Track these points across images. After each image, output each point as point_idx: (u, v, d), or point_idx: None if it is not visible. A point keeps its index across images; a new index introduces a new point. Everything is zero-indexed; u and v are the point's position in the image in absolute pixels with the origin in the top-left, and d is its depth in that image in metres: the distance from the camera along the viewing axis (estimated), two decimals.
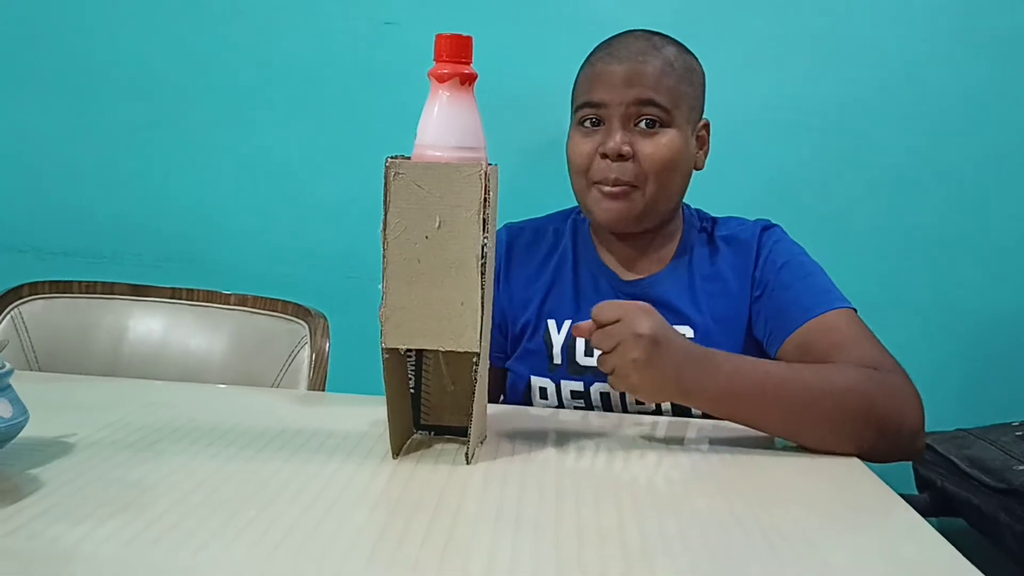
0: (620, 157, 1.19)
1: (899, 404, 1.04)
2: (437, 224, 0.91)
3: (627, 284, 1.28)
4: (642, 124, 1.20)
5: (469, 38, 0.93)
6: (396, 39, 1.85)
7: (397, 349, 0.95)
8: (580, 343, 1.25)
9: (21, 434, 0.85)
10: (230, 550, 0.72)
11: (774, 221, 1.33)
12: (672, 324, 1.23)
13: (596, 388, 1.25)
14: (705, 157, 1.29)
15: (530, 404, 1.28)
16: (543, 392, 1.27)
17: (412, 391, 1.03)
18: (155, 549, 0.71)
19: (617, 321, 1.00)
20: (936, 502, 1.66)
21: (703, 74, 1.28)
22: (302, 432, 1.03)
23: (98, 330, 1.47)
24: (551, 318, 1.28)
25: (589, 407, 1.26)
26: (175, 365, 1.45)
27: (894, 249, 1.86)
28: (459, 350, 0.93)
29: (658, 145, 1.20)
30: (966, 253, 1.85)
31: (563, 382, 1.26)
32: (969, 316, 1.86)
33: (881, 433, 1.03)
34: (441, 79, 0.92)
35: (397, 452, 0.96)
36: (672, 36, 1.28)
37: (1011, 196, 1.84)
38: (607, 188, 1.21)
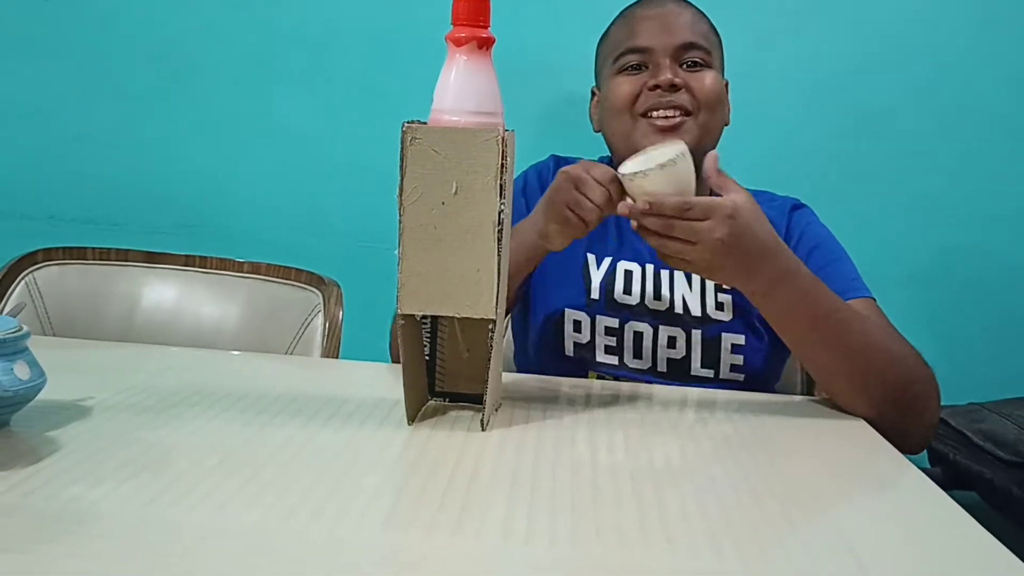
0: (673, 87, 1.21)
1: (929, 395, 1.08)
2: (454, 190, 0.90)
3: None
4: (687, 65, 1.23)
5: (487, 1, 0.92)
6: (412, 3, 1.84)
7: (413, 315, 0.94)
8: (620, 282, 1.26)
9: (38, 397, 0.85)
10: (247, 512, 0.72)
11: (804, 200, 1.32)
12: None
13: (630, 327, 1.25)
14: (729, 113, 1.30)
15: (562, 336, 1.27)
16: (577, 325, 1.26)
17: (427, 358, 1.03)
18: (173, 510, 0.71)
19: (707, 218, 0.98)
20: (949, 476, 1.66)
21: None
22: (317, 398, 1.03)
23: (112, 297, 1.47)
24: (591, 252, 1.28)
25: (620, 345, 1.26)
26: (188, 333, 1.45)
27: (909, 219, 1.85)
28: (475, 317, 0.92)
29: (706, 79, 1.22)
30: (982, 224, 1.84)
31: (599, 317, 1.25)
32: (984, 289, 1.85)
33: (902, 412, 1.05)
34: (458, 43, 0.91)
35: (412, 419, 0.97)
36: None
37: None
38: (659, 120, 1.21)
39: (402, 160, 0.90)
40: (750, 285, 1.04)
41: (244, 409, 0.97)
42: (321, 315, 1.43)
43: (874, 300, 1.18)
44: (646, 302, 1.25)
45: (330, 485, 0.78)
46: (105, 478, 0.76)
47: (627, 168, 1.02)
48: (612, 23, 1.31)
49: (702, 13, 1.28)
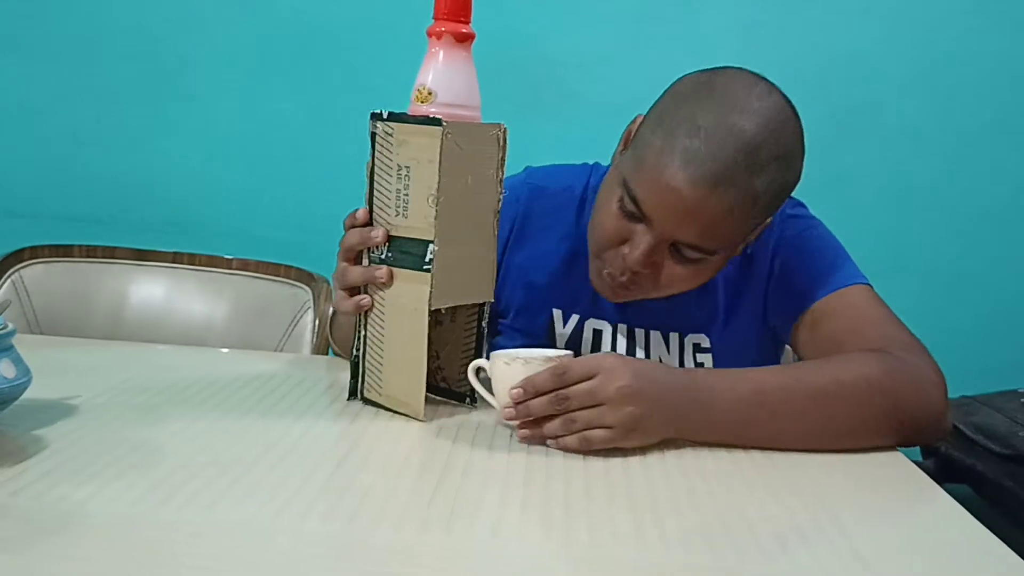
0: (635, 273, 1.01)
1: (924, 391, 0.96)
2: (469, 183, 0.91)
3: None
4: (676, 250, 0.99)
5: None
6: None
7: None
8: (587, 338, 1.15)
9: (24, 396, 0.84)
10: (237, 509, 0.71)
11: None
12: (690, 332, 1.14)
13: None
14: (747, 247, 1.08)
15: None
16: None
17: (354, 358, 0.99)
18: (162, 508, 0.70)
19: (591, 377, 0.87)
20: (940, 469, 1.66)
21: (796, 183, 1.01)
22: (308, 394, 1.02)
23: (99, 295, 1.46)
24: (557, 308, 1.16)
25: None
26: (177, 330, 1.44)
27: (899, 212, 1.85)
28: (479, 302, 0.97)
29: (685, 274, 1.01)
30: (973, 216, 1.84)
31: None
32: (975, 282, 1.86)
33: (910, 424, 0.96)
34: (439, 36, 0.91)
35: (420, 412, 0.95)
36: (796, 108, 1.04)
37: (1021, 158, 1.82)
38: (610, 280, 1.04)
39: (440, 157, 0.88)
40: (694, 421, 0.91)
41: (233, 407, 0.96)
42: (311, 311, 1.43)
43: (869, 286, 1.07)
44: None
45: (322, 482, 0.78)
46: (92, 477, 0.75)
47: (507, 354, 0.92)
48: (665, 115, 0.98)
49: (774, 180, 0.96)
